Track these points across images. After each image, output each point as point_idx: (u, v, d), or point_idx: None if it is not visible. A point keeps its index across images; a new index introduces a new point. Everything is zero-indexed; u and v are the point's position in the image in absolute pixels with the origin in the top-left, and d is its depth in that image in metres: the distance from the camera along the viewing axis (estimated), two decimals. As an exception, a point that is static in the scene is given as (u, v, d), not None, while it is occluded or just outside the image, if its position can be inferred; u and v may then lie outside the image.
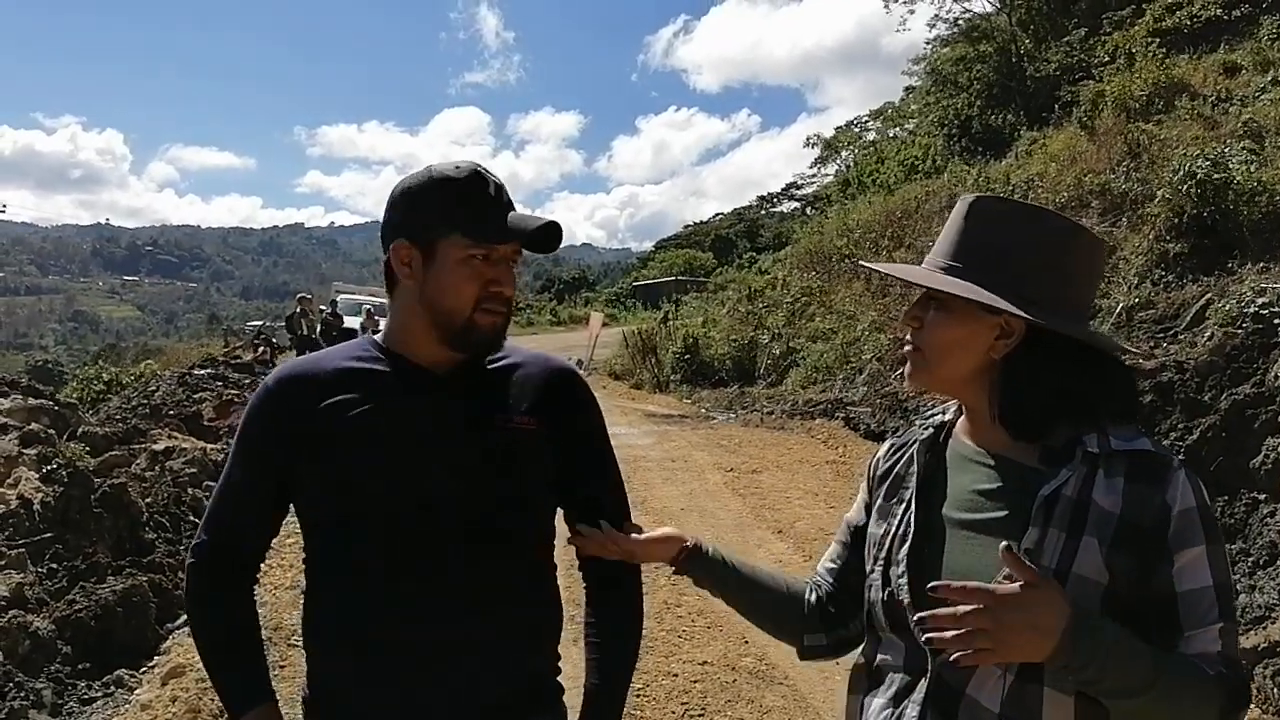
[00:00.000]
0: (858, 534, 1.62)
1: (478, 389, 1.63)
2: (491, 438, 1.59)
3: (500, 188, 1.59)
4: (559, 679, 1.73)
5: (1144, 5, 18.04)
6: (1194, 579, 1.27)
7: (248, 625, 1.68)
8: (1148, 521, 1.27)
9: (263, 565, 1.77)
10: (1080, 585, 1.27)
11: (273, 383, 1.64)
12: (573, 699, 1.73)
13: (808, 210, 38.86)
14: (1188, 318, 8.28)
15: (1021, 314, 1.34)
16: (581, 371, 2.02)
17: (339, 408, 1.57)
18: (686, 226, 67.73)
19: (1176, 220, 9.65)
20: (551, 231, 1.58)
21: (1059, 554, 1.29)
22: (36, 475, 6.80)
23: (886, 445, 1.64)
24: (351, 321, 21.57)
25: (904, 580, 1.42)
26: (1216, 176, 9.09)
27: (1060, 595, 1.20)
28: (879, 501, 1.56)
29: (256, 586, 1.77)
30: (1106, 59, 16.34)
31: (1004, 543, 1.19)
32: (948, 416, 1.55)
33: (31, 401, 9.76)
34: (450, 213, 1.55)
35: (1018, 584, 1.18)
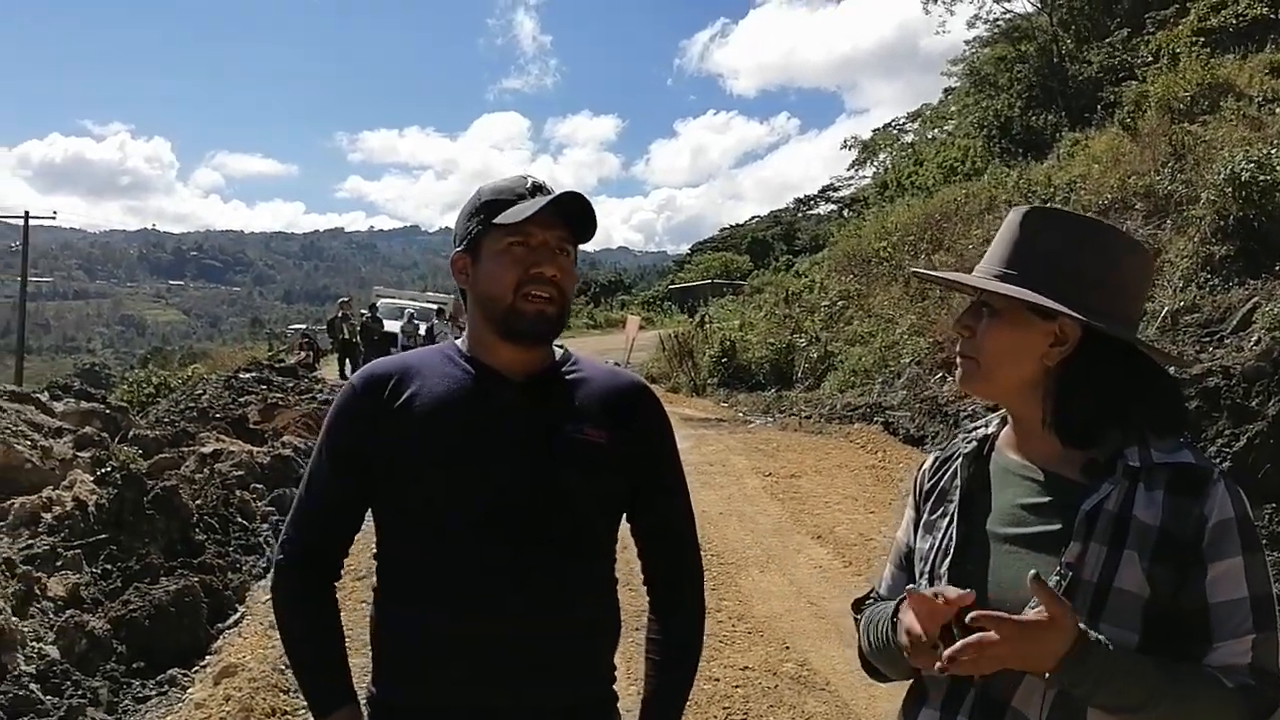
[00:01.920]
0: (911, 556, 1.62)
1: (551, 398, 1.69)
2: (561, 446, 1.64)
3: (539, 187, 1.67)
4: (614, 687, 1.78)
5: (1188, 4, 17.78)
6: (1228, 590, 1.28)
7: (331, 626, 1.73)
8: (1186, 534, 1.30)
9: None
10: (1122, 599, 1.30)
11: (358, 382, 1.71)
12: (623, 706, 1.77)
13: (845, 213, 38.60)
14: (1234, 322, 8.19)
15: (1080, 317, 1.36)
16: None
17: (417, 409, 1.64)
18: (723, 229, 67.52)
19: (1222, 223, 9.53)
20: (571, 205, 1.63)
21: (1101, 568, 1.31)
22: (91, 478, 6.96)
23: (931, 459, 1.65)
24: (391, 325, 21.74)
25: None
26: (1262, 178, 8.98)
27: (1072, 622, 1.22)
28: (925, 516, 1.58)
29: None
30: (1150, 59, 16.15)
31: (1032, 571, 1.22)
32: (991, 430, 1.57)
33: (84, 405, 10.01)
34: (488, 212, 1.64)
35: (1043, 615, 1.21)
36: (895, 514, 8.06)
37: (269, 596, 5.68)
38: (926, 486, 1.61)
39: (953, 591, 1.29)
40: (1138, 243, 1.48)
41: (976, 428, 1.60)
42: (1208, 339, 8.30)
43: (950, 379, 11.07)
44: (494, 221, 1.62)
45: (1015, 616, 1.23)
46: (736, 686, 4.79)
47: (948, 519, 1.51)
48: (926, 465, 1.65)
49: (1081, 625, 1.24)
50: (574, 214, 1.65)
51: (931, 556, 1.51)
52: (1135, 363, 1.42)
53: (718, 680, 4.84)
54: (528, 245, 1.61)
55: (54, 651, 4.65)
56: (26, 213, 37.00)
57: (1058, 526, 1.37)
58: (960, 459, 1.55)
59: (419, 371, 1.69)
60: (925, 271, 1.82)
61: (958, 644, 1.23)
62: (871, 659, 1.59)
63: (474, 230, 1.66)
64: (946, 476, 1.57)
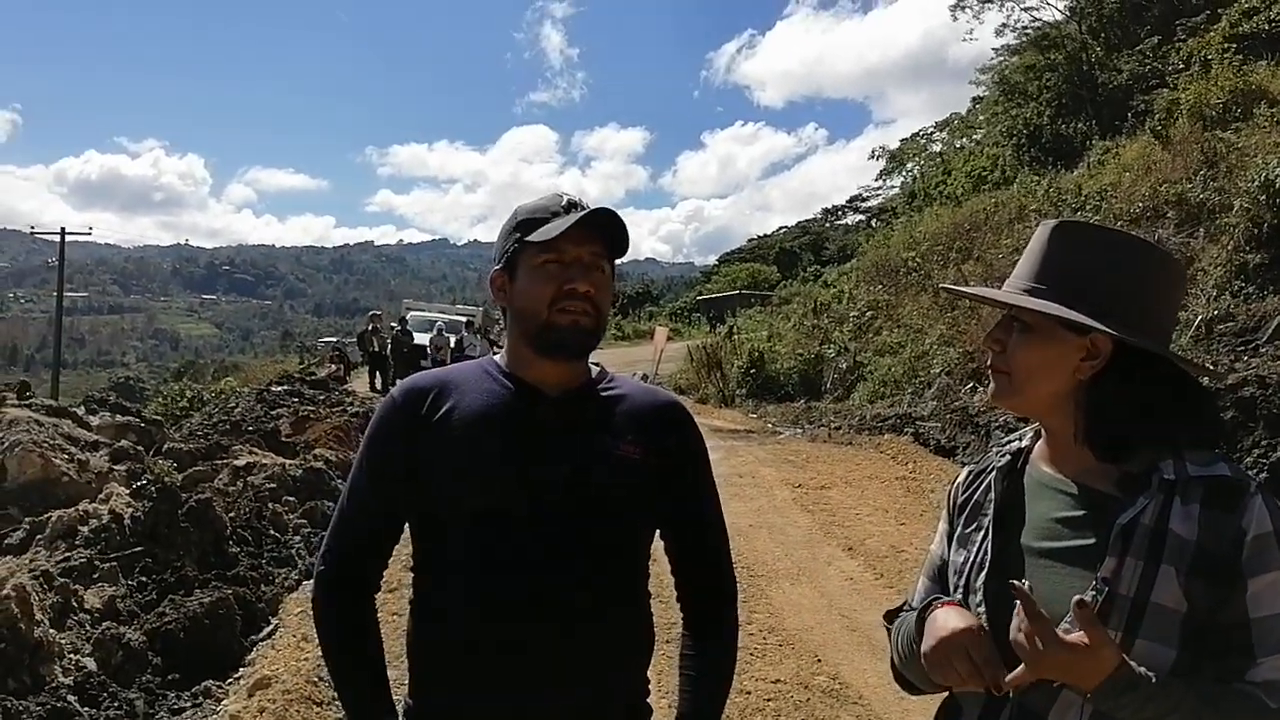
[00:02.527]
0: (944, 569, 1.62)
1: (586, 413, 1.71)
2: (596, 460, 1.66)
3: (574, 204, 1.69)
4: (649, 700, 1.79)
5: (1220, 11, 17.61)
6: (1270, 605, 1.27)
7: (370, 636, 1.75)
8: (1223, 548, 1.28)
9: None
10: (1159, 614, 1.29)
11: (399, 395, 1.74)
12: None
13: (873, 223, 38.51)
14: (1269, 330, 8.08)
15: (1111, 331, 1.36)
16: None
17: (455, 422, 1.67)
18: (751, 240, 67.50)
19: (1256, 231, 9.43)
20: (605, 220, 1.65)
21: (1137, 583, 1.30)
22: (127, 491, 7.05)
23: (965, 473, 1.65)
24: (421, 338, 21.86)
25: (982, 609, 1.43)
26: (1298, 186, 8.87)
27: (1115, 654, 1.23)
28: (959, 530, 1.58)
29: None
30: (1181, 66, 15.98)
31: (1076, 597, 1.22)
32: (1025, 443, 1.57)
33: (119, 419, 10.13)
34: (524, 230, 1.67)
35: (1084, 639, 1.22)
36: (927, 525, 8.02)
37: (301, 609, 5.75)
38: (960, 499, 1.61)
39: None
40: (1168, 254, 1.47)
41: (1010, 441, 1.60)
42: (1242, 348, 8.19)
43: (980, 389, 11.00)
44: (528, 239, 1.65)
45: (1061, 635, 1.23)
46: (768, 700, 4.77)
47: (982, 532, 1.51)
48: (960, 478, 1.65)
49: (1123, 655, 1.24)
50: (607, 229, 1.67)
51: (966, 570, 1.51)
52: (1168, 376, 1.41)
53: (749, 693, 4.82)
54: (561, 262, 1.64)
55: (91, 664, 4.70)
56: (62, 229, 37.60)
57: (1093, 541, 1.36)
58: (994, 472, 1.55)
59: (458, 385, 1.72)
60: (954, 288, 1.82)
61: (1019, 671, 1.27)
62: (903, 670, 1.58)
63: (510, 248, 1.69)
64: (980, 490, 1.57)
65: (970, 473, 1.63)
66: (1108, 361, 1.40)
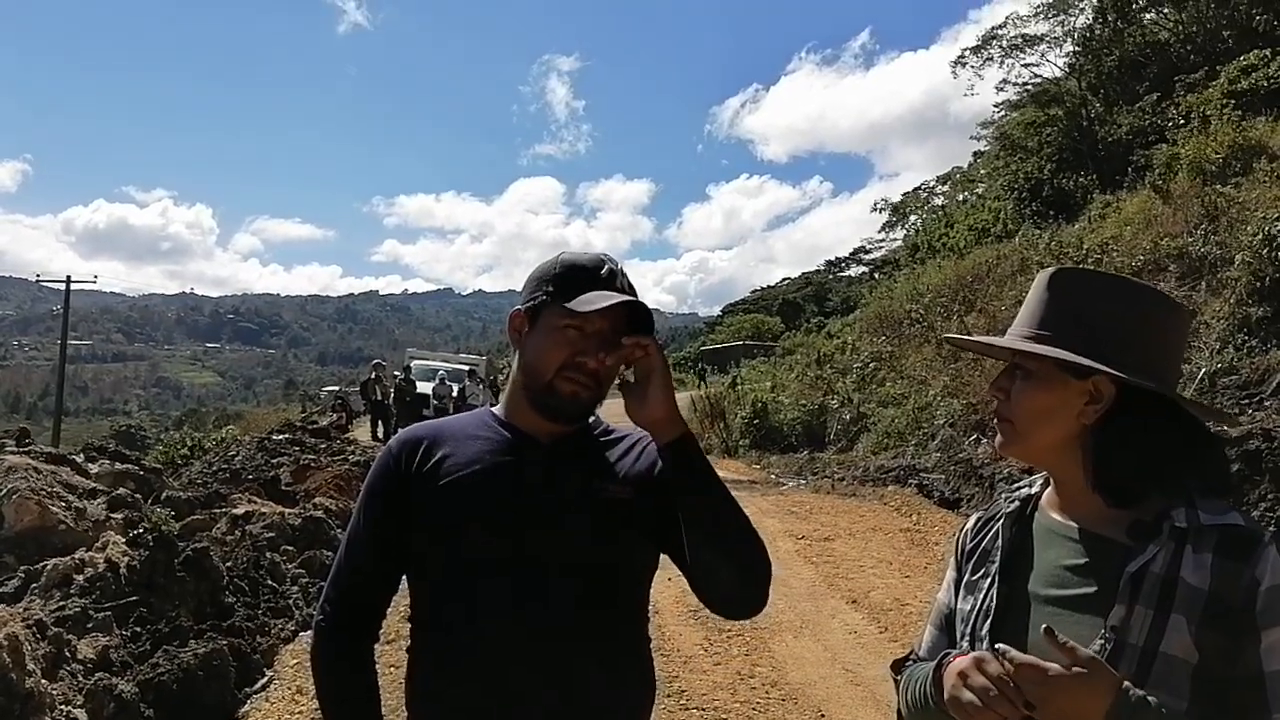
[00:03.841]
0: (952, 617, 1.60)
1: (580, 457, 1.71)
2: (589, 503, 1.65)
3: (615, 274, 1.68)
4: None
5: (1218, 68, 17.84)
6: None
7: (369, 689, 1.73)
8: (1237, 598, 1.25)
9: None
10: (1169, 664, 1.26)
11: (395, 446, 1.75)
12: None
13: (876, 275, 38.72)
14: (1274, 384, 8.06)
15: (1112, 371, 1.34)
16: None
17: (451, 468, 1.67)
18: (754, 291, 67.94)
19: (1258, 284, 9.45)
20: (635, 310, 1.64)
21: (1147, 632, 1.28)
22: (123, 539, 6.99)
23: (974, 519, 1.63)
24: (424, 387, 21.87)
25: None
26: (1298, 240, 8.91)
27: (1107, 678, 1.19)
28: (966, 577, 1.56)
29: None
30: (1180, 122, 16.15)
31: (1044, 625, 1.20)
32: (1034, 490, 1.55)
33: (118, 466, 10.08)
34: (558, 286, 1.65)
35: (1068, 668, 1.18)
36: (931, 578, 7.93)
37: (297, 660, 5.67)
38: (969, 546, 1.59)
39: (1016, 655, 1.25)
40: (1168, 298, 1.46)
41: (1020, 487, 1.58)
42: (1246, 401, 8.17)
43: (984, 441, 10.97)
44: (560, 301, 1.63)
45: (1051, 666, 1.20)
46: (770, 757, 4.68)
47: (989, 580, 1.49)
48: (969, 525, 1.63)
49: (1126, 684, 1.20)
50: (636, 308, 1.66)
51: (972, 618, 1.48)
52: (1175, 419, 1.39)
53: (750, 750, 4.73)
54: (582, 331, 1.63)
55: (83, 715, 4.62)
56: (68, 278, 37.83)
57: (1101, 589, 1.34)
58: (1003, 519, 1.53)
59: (454, 435, 1.73)
60: (956, 337, 1.81)
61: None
62: None
63: (539, 298, 1.68)
64: (989, 537, 1.55)
65: (979, 519, 1.61)
66: (1112, 405, 1.39)
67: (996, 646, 1.25)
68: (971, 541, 1.59)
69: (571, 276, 1.66)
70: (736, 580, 1.63)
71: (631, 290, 1.68)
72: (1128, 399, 1.38)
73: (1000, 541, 1.51)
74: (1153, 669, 1.26)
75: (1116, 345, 1.38)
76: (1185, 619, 1.26)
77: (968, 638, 1.48)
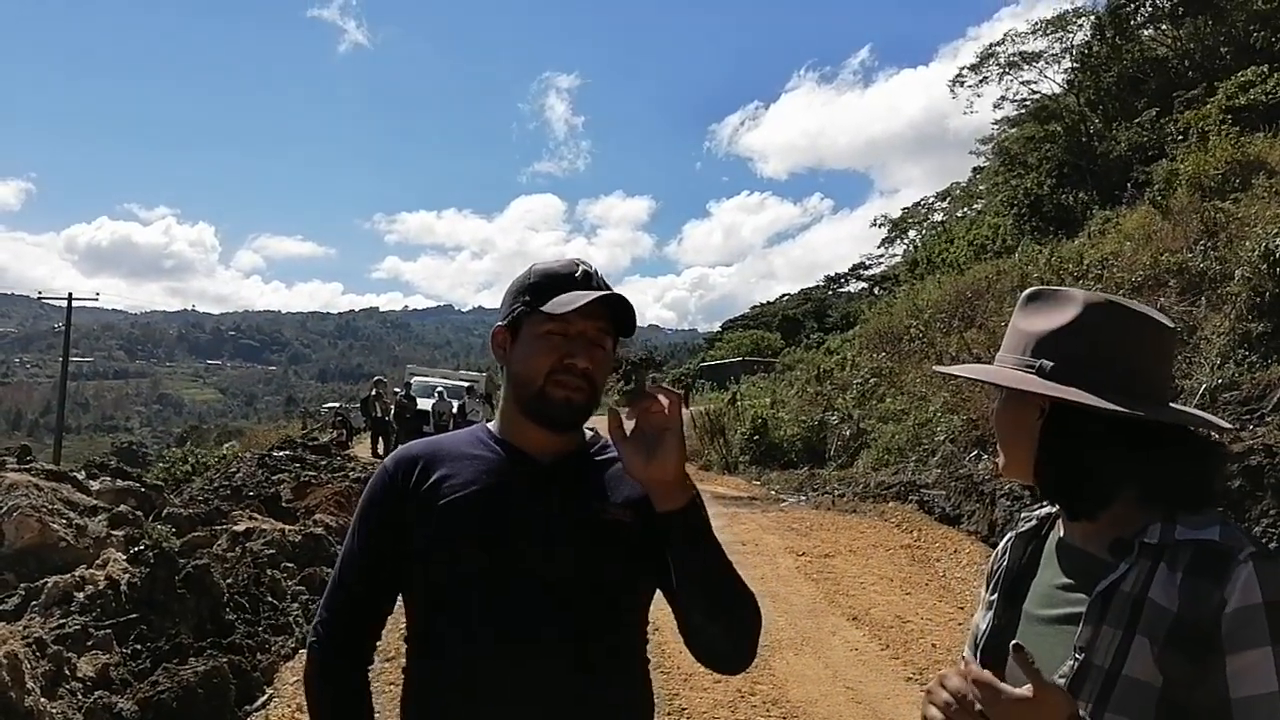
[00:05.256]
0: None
1: (578, 478, 1.69)
2: (587, 525, 1.63)
3: (590, 275, 1.67)
4: None
5: (1216, 84, 17.91)
6: (1253, 684, 1.17)
7: (361, 709, 1.72)
8: (1203, 620, 1.19)
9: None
10: (1132, 688, 1.23)
11: (391, 464, 1.74)
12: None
13: (875, 290, 38.77)
14: (1275, 399, 8.06)
15: (1028, 389, 1.34)
16: None
17: (445, 490, 1.65)
18: (754, 307, 67.98)
19: (1258, 300, 9.47)
20: (615, 303, 1.63)
21: (1112, 654, 1.25)
22: (124, 556, 6.99)
23: (1006, 540, 1.61)
24: (424, 403, 21.89)
25: None
26: (1298, 255, 8.93)
27: (1059, 706, 1.15)
28: (986, 597, 1.57)
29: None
30: (1179, 137, 16.20)
31: (1014, 642, 1.17)
32: (1054, 508, 1.52)
33: (119, 483, 10.09)
34: (534, 294, 1.65)
35: (1028, 692, 1.13)
36: (932, 595, 7.93)
37: (297, 678, 5.66)
38: (995, 566, 1.59)
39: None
40: (1125, 307, 1.40)
41: (1040, 506, 1.57)
42: (1248, 416, 8.16)
43: (985, 456, 10.99)
44: (540, 309, 1.63)
45: (1003, 686, 1.15)
46: (771, 774, 4.66)
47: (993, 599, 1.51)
48: (1001, 544, 1.62)
49: (1082, 713, 1.18)
50: (615, 306, 1.65)
51: (977, 638, 1.50)
52: (1128, 430, 1.32)
53: (752, 768, 4.71)
54: (566, 334, 1.63)
55: (81, 733, 4.62)
56: (70, 295, 37.86)
57: (1080, 608, 1.31)
58: (1015, 538, 1.54)
59: (449, 453, 1.72)
60: (941, 368, 1.80)
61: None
62: None
63: (518, 310, 1.67)
64: (1009, 556, 1.55)
65: (1008, 540, 1.61)
66: (1047, 418, 1.38)
67: (963, 657, 1.25)
68: (997, 562, 1.59)
69: (547, 284, 1.65)
70: (726, 640, 1.62)
71: (608, 289, 1.67)
72: (1070, 411, 1.34)
73: (1008, 561, 1.52)
74: (1114, 692, 1.24)
75: (1061, 357, 1.36)
76: (1149, 641, 1.22)
77: (975, 657, 1.48)
